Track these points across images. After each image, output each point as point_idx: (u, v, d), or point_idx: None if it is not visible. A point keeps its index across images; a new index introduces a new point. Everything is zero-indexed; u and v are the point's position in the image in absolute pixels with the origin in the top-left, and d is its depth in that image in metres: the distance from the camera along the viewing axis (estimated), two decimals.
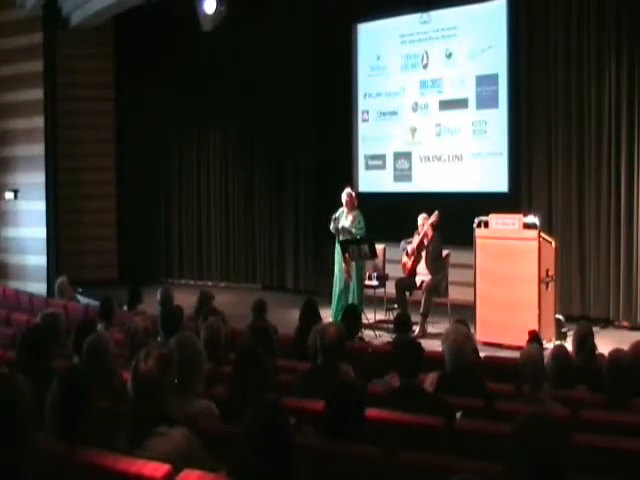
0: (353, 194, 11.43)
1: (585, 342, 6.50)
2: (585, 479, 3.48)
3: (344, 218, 11.33)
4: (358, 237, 11.17)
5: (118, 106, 16.62)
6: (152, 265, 16.41)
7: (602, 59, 11.25)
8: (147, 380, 3.61)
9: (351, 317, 7.84)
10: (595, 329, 7.62)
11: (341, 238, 11.24)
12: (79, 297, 11.82)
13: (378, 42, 14.27)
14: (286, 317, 10.46)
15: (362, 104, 14.55)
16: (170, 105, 16.06)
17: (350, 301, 11.04)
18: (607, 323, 11.18)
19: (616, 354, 5.25)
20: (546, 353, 5.82)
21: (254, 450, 3.22)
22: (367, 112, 14.50)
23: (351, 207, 11.32)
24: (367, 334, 10.45)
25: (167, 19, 14.94)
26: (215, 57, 15.34)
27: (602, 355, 6.17)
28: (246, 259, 15.79)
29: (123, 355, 5.69)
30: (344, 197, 11.34)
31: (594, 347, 6.58)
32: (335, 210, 11.48)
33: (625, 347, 5.58)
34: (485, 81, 12.88)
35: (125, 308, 9.64)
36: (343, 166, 14.47)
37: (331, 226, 11.33)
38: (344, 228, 11.26)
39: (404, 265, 11.36)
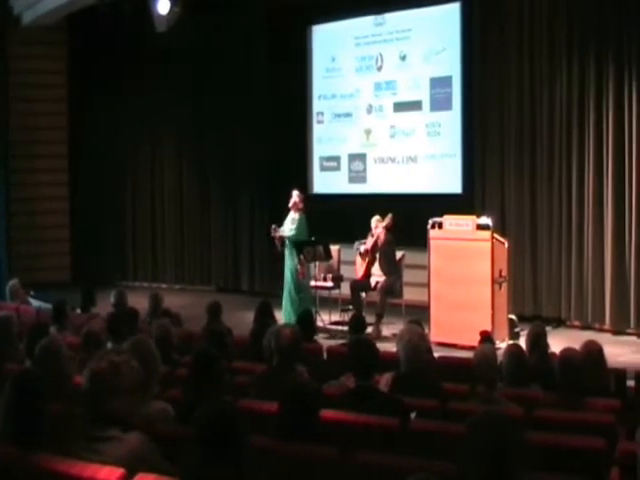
0: (297, 198, 11.40)
1: (538, 342, 6.57)
2: (538, 477, 3.52)
3: (288, 219, 11.40)
4: (289, 237, 11.28)
5: (71, 107, 16.46)
6: (106, 267, 16.25)
7: (554, 61, 11.38)
8: (100, 382, 3.58)
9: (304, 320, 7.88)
10: (547, 329, 7.72)
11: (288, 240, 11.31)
12: (32, 300, 11.67)
13: (333, 44, 14.31)
14: (241, 319, 10.45)
15: (317, 106, 14.57)
16: (124, 105, 15.94)
17: (288, 302, 11.23)
18: (559, 323, 11.30)
19: (567, 353, 5.32)
20: (499, 353, 5.89)
21: (205, 452, 3.22)
22: (322, 114, 14.52)
23: (295, 209, 11.36)
24: (322, 335, 10.46)
25: (121, 19, 14.79)
26: (169, 58, 15.24)
27: (554, 354, 6.24)
28: (201, 261, 15.71)
29: (76, 358, 5.63)
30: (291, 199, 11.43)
31: (547, 347, 6.66)
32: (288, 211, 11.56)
33: (577, 346, 5.66)
34: (439, 83, 12.96)
35: (78, 311, 9.55)
36: (298, 167, 14.47)
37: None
38: (283, 230, 11.36)
39: (359, 266, 11.42)
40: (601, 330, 10.83)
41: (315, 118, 14.61)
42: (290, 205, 11.39)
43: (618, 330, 10.77)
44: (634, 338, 10.55)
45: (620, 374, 6.37)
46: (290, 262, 11.37)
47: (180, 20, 13.02)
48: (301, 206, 11.38)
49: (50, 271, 15.88)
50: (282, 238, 11.39)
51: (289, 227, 11.34)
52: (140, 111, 15.86)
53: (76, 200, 16.62)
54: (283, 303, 11.37)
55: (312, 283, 11.69)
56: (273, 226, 11.53)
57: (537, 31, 11.56)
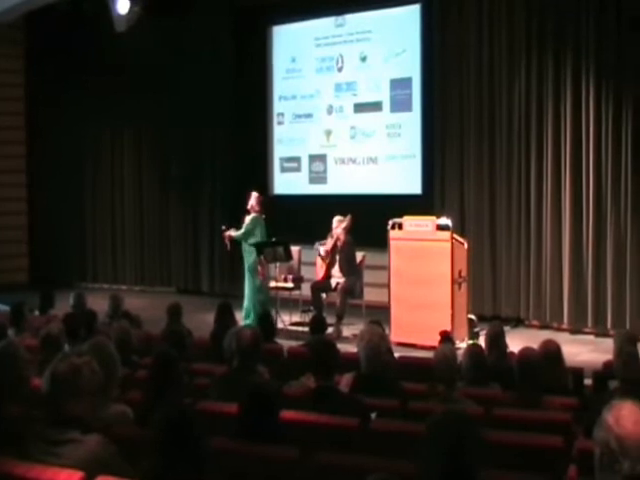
0: (254, 200, 11.34)
1: (497, 341, 6.63)
2: (497, 475, 3.55)
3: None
4: (236, 237, 11.32)
5: (29, 106, 16.30)
6: (65, 269, 16.12)
7: (513, 63, 11.48)
8: (61, 385, 3.56)
9: (264, 321, 7.89)
10: (506, 328, 7.79)
11: (250, 241, 11.27)
12: None
13: (293, 45, 14.31)
14: (202, 320, 10.40)
15: (277, 106, 14.56)
16: (84, 105, 15.77)
17: (248, 303, 11.22)
18: (518, 322, 11.40)
19: (526, 352, 5.37)
20: (459, 353, 5.92)
21: (164, 455, 3.21)
22: (282, 115, 14.52)
23: (252, 211, 11.31)
24: (282, 336, 10.45)
25: (81, 18, 14.68)
26: (130, 57, 15.11)
27: (513, 354, 6.30)
28: (161, 262, 15.61)
29: (35, 361, 5.57)
30: None
31: (505, 346, 6.72)
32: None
33: (535, 345, 5.71)
34: (399, 84, 13.02)
35: (37, 313, 9.45)
36: (259, 168, 14.47)
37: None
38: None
39: (319, 267, 11.44)
40: (559, 329, 10.96)
41: (275, 119, 14.60)
42: (248, 207, 11.36)
43: (576, 329, 10.91)
44: (591, 337, 10.68)
45: (578, 373, 6.45)
46: (246, 262, 11.37)
47: (141, 19, 12.96)
48: (257, 208, 11.33)
49: (8, 273, 15.70)
50: (231, 237, 11.40)
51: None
52: (100, 111, 15.71)
53: (34, 201, 16.46)
54: (244, 304, 11.35)
55: (272, 284, 11.69)
56: (223, 227, 11.55)
57: (496, 32, 11.65)
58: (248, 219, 11.31)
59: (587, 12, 10.75)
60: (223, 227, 11.63)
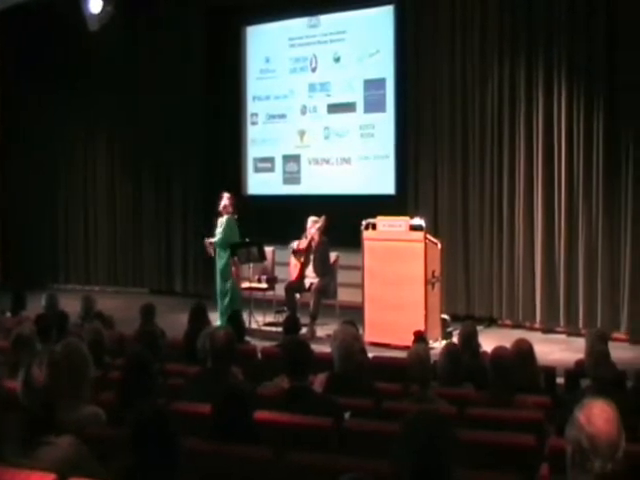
0: (227, 201, 11.26)
1: (470, 341, 6.66)
2: (470, 474, 3.57)
3: (218, 224, 11.37)
4: (216, 242, 11.24)
5: (2, 105, 16.16)
6: (37, 270, 15.99)
7: (485, 64, 11.52)
8: (43, 388, 3.54)
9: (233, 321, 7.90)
10: (479, 328, 7.81)
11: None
12: None
13: (267, 45, 14.29)
14: (175, 321, 10.36)
15: (251, 107, 14.54)
16: (57, 104, 15.66)
17: (224, 303, 11.19)
18: (491, 322, 11.46)
19: (498, 352, 5.40)
20: (433, 352, 5.95)
21: (138, 455, 3.21)
22: (256, 115, 14.50)
23: (225, 212, 11.26)
24: (256, 337, 10.45)
25: (54, 18, 14.59)
26: (102, 56, 15.05)
27: (486, 353, 6.33)
28: (134, 263, 15.53)
29: (6, 362, 5.53)
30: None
31: (478, 346, 6.75)
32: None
33: (508, 345, 5.75)
34: (373, 85, 13.05)
35: (8, 314, 9.38)
36: (232, 169, 14.45)
37: None
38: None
39: (293, 267, 11.44)
40: (531, 329, 11.02)
41: (249, 119, 14.58)
42: (220, 208, 11.31)
43: (548, 329, 10.98)
44: (563, 336, 10.75)
45: (550, 372, 6.50)
46: (218, 264, 11.32)
47: (114, 19, 12.89)
48: (230, 209, 11.29)
49: None
50: (212, 244, 11.35)
51: (218, 231, 11.30)
52: (73, 110, 15.61)
53: (6, 200, 16.32)
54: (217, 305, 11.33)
55: (246, 284, 11.67)
56: (208, 239, 11.46)
57: (469, 33, 11.68)
58: (223, 221, 11.25)
59: (559, 13, 10.81)
60: (209, 239, 11.50)
